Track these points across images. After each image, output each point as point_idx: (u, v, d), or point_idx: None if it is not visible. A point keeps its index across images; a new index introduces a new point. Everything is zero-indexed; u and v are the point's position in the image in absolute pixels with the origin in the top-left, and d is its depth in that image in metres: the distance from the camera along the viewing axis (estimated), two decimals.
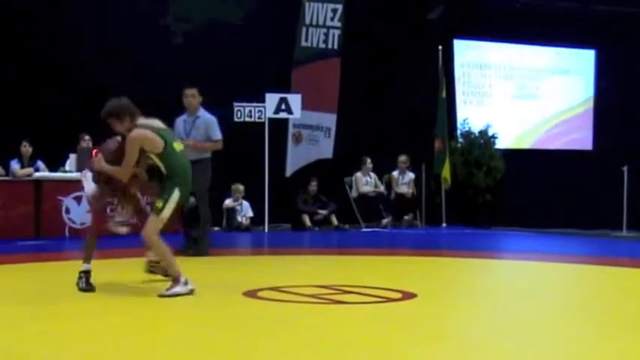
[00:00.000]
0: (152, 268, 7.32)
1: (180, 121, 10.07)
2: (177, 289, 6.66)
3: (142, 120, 6.84)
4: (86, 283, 6.93)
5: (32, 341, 5.07)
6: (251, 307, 6.36)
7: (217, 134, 9.98)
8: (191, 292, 6.68)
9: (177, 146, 6.88)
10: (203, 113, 10.04)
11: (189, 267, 7.15)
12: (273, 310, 6.26)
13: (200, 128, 9.93)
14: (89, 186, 7.01)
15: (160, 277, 7.19)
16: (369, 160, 16.00)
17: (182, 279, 6.70)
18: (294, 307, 6.30)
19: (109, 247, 9.85)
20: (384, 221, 15.63)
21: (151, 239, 6.77)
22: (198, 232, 9.99)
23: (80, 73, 13.92)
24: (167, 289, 6.70)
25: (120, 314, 6.09)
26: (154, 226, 6.74)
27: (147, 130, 6.74)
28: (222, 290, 6.95)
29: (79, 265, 7.02)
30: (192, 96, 10.01)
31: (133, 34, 14.39)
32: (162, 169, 6.77)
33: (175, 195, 6.73)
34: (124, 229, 8.29)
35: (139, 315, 6.07)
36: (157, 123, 6.93)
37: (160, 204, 6.71)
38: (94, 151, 7.42)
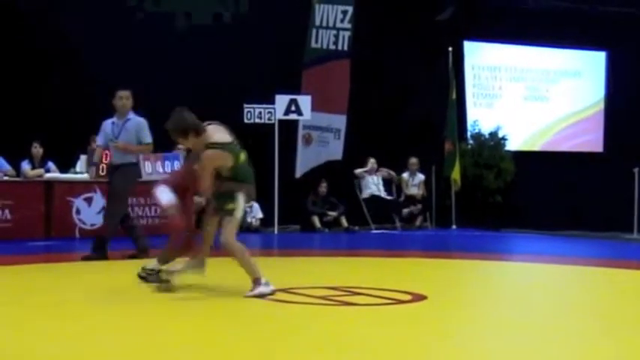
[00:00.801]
0: (146, 274, 7.33)
1: (108, 124, 9.90)
2: (261, 289, 6.72)
3: (209, 131, 6.85)
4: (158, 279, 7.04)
5: (41, 340, 5.09)
6: (261, 309, 6.36)
7: (148, 137, 9.83)
8: (273, 293, 6.73)
9: (243, 157, 6.95)
10: (133, 116, 9.85)
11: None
12: (283, 311, 6.26)
13: (130, 131, 9.74)
14: (166, 197, 6.98)
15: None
16: (372, 161, 15.99)
17: (263, 280, 6.76)
18: (304, 309, 6.29)
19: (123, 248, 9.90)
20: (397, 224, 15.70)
21: (228, 242, 6.79)
22: (135, 234, 9.85)
23: (92, 75, 13.95)
24: (250, 291, 6.74)
25: (129, 315, 6.10)
26: (230, 228, 6.80)
27: (217, 150, 6.76)
28: (232, 292, 6.95)
29: (88, 266, 7.00)
30: (126, 98, 9.81)
31: (144, 36, 14.43)
32: (227, 174, 6.82)
33: (241, 197, 6.82)
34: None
35: (147, 316, 6.08)
36: (222, 135, 6.91)
37: (230, 205, 6.78)
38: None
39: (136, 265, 7.69)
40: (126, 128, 9.80)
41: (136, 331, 5.45)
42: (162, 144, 13.71)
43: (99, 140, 10.12)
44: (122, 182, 9.70)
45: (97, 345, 4.99)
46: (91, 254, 9.55)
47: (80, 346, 4.97)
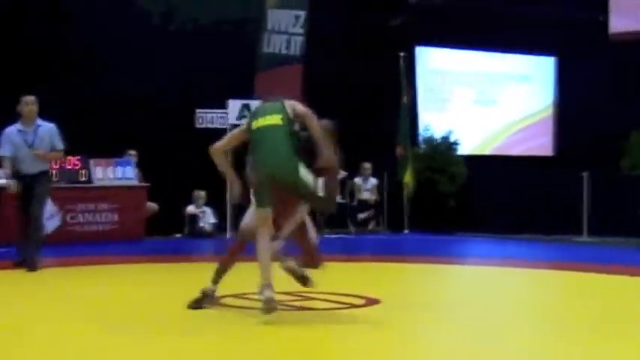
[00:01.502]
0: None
1: (13, 132, 9.48)
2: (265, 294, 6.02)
3: None
4: (197, 303, 6.53)
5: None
6: (214, 315, 6.32)
7: (61, 143, 9.65)
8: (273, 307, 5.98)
9: (257, 123, 6.40)
10: (43, 122, 9.60)
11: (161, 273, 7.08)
12: (236, 316, 6.23)
13: (45, 138, 9.50)
14: None
15: None
16: None
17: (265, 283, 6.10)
18: (258, 314, 6.25)
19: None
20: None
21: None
22: (30, 244, 9.38)
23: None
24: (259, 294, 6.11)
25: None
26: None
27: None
28: (188, 299, 6.88)
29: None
30: (32, 104, 9.51)
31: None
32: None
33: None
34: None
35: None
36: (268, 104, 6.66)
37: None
38: None
39: (98, 271, 7.60)
40: (39, 136, 9.47)
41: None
42: (113, 149, 13.71)
43: (5, 151, 9.46)
44: (47, 189, 9.56)
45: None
46: (21, 261, 9.37)
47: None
